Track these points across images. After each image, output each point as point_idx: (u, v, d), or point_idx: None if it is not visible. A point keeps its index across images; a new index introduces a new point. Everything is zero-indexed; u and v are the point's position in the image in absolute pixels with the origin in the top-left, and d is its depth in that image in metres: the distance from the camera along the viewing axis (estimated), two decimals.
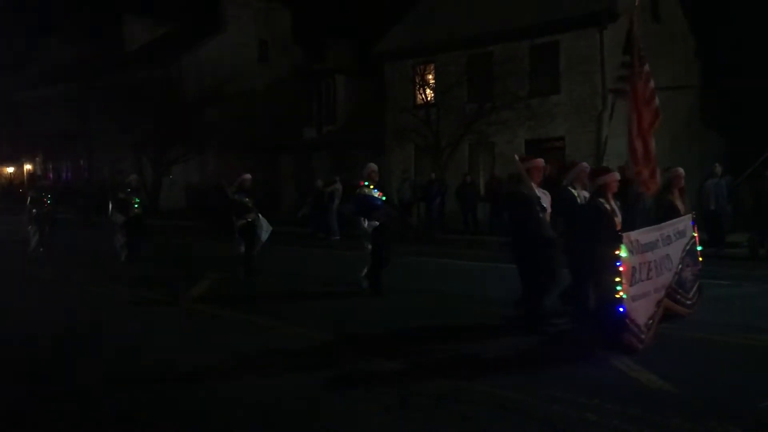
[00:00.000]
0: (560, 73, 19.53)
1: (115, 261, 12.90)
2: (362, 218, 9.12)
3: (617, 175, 6.91)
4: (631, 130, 8.23)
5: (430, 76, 22.08)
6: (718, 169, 14.26)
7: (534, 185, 7.11)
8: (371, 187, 9.25)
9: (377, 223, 9.11)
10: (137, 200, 13.25)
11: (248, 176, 11.27)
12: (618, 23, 19.05)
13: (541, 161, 7.48)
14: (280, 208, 24.42)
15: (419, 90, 21.88)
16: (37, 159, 37.95)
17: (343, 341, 6.95)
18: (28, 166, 38.97)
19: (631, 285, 5.96)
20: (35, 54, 39.58)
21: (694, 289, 7.07)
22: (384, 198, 9.31)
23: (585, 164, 7.73)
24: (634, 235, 6.18)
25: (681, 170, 8.20)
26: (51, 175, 37.04)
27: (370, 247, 9.16)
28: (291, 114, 28.52)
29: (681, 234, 6.92)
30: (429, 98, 21.38)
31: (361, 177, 9.51)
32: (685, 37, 23.57)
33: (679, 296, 6.74)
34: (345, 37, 31.21)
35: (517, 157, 7.72)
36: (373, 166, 9.54)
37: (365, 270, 9.26)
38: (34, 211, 15.13)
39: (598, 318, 6.29)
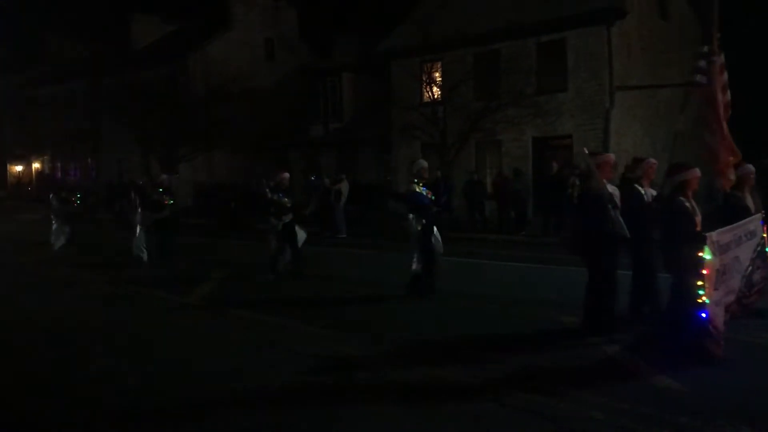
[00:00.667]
0: (567, 71, 19.46)
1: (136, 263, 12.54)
2: (412, 217, 8.78)
3: (698, 172, 6.38)
4: (710, 123, 7.45)
5: (437, 74, 22.04)
6: None
7: (605, 182, 6.71)
8: (420, 185, 8.96)
9: (425, 222, 8.79)
10: (171, 200, 13.01)
11: (286, 175, 10.99)
12: (626, 20, 19.02)
13: (612, 156, 7.11)
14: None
15: (426, 87, 21.85)
16: (46, 157, 38.12)
17: (373, 344, 6.94)
18: (36, 165, 39.16)
19: (714, 289, 5.68)
20: (43, 53, 39.72)
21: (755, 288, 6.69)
22: (432, 197, 8.99)
23: (653, 160, 7.38)
24: (715, 235, 5.82)
25: (752, 167, 7.69)
26: (59, 174, 37.24)
27: (417, 246, 8.78)
28: (297, 112, 28.54)
29: (752, 234, 6.55)
30: (435, 96, 21.34)
31: (411, 174, 9.21)
32: (693, 34, 23.41)
33: (744, 299, 6.42)
34: (351, 34, 31.17)
35: (586, 151, 7.31)
36: (423, 163, 9.23)
37: (414, 269, 8.86)
38: (62, 212, 14.98)
39: (679, 324, 5.89)
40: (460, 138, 20.08)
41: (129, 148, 28.84)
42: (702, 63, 7.60)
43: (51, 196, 15.59)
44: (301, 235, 10.84)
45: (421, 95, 22.03)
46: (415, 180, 9.02)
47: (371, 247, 15.63)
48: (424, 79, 21.84)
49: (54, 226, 14.94)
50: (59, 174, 37.00)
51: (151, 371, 5.95)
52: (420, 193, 8.89)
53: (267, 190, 10.71)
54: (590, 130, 19.03)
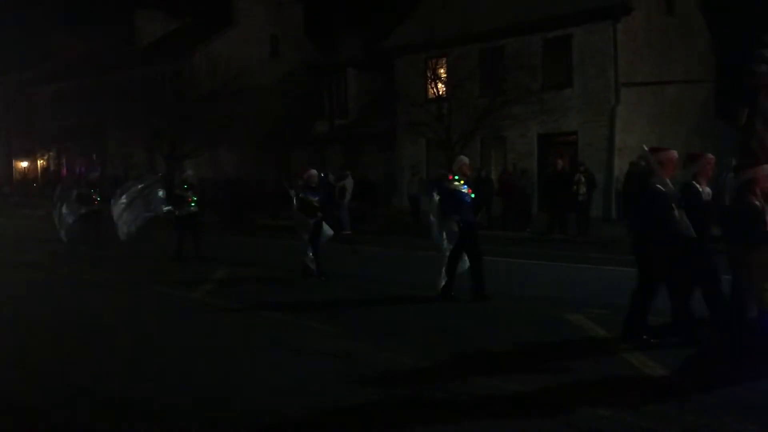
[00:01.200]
0: (573, 67, 19.42)
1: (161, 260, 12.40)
2: (450, 215, 8.30)
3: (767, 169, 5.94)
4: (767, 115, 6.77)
5: (442, 70, 22.00)
6: (734, 163, 14.03)
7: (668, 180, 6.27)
8: (461, 182, 8.45)
9: (463, 221, 8.28)
10: (195, 198, 12.50)
11: (314, 172, 10.68)
12: (631, 16, 18.96)
13: (674, 153, 6.66)
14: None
15: (431, 84, 21.81)
16: (51, 153, 38.22)
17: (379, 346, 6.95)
18: (41, 161, 39.26)
19: None
20: (48, 49, 39.80)
21: None
22: (473, 195, 8.55)
23: (711, 156, 6.99)
24: None
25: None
26: (65, 169, 37.34)
27: (450, 247, 8.31)
28: (302, 108, 28.54)
29: None
30: (440, 92, 21.31)
31: (450, 170, 8.68)
32: (700, 31, 23.35)
33: None
34: (356, 31, 31.12)
35: (646, 148, 6.91)
36: (465, 159, 8.81)
37: (455, 271, 8.38)
38: (82, 210, 13.89)
39: (746, 327, 5.70)
40: (465, 135, 20.04)
41: (134, 145, 28.89)
42: (765, 52, 7.13)
43: (58, 190, 14.47)
44: (328, 232, 10.60)
45: (426, 92, 21.99)
46: (455, 176, 8.49)
47: (376, 244, 15.62)
48: (429, 75, 21.79)
49: (66, 218, 13.83)
50: (65, 169, 37.12)
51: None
52: (460, 191, 8.41)
53: (291, 191, 10.42)
54: (596, 127, 19.00)
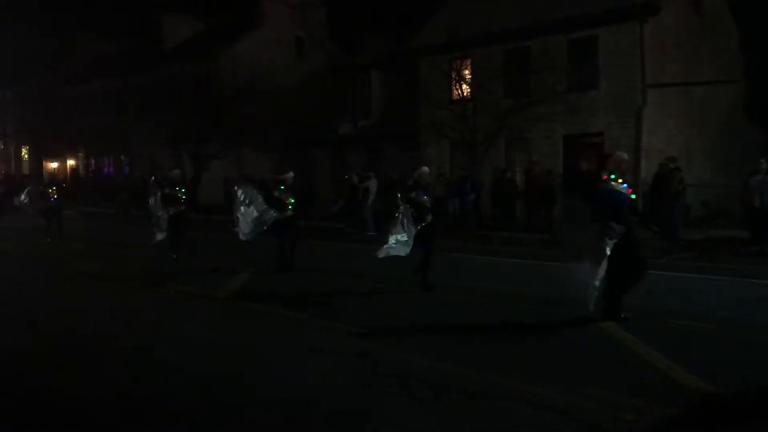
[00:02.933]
0: (599, 68, 19.21)
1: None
2: (605, 223, 7.03)
3: None
4: None
5: (466, 71, 21.93)
6: (764, 165, 13.83)
7: None
8: (619, 180, 7.30)
9: (617, 228, 7.02)
10: (292, 200, 11.51)
11: (425, 169, 9.84)
12: (659, 16, 18.72)
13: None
14: (315, 203, 24.55)
15: (455, 85, 21.76)
16: (79, 154, 38.84)
17: (380, 336, 6.96)
18: (70, 162, 39.90)
19: None
20: (76, 51, 40.45)
21: None
22: (633, 196, 7.43)
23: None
24: None
25: None
26: (93, 170, 37.91)
27: (604, 256, 6.98)
28: (326, 109, 28.64)
29: None
30: (465, 93, 21.24)
31: (605, 169, 7.49)
32: (729, 30, 23.00)
33: None
34: (380, 32, 31.19)
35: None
36: (623, 155, 7.59)
37: (601, 287, 7.10)
38: (170, 210, 12.68)
39: None
40: (490, 136, 19.96)
41: (159, 145, 29.23)
42: None
43: (154, 197, 12.93)
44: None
45: (450, 92, 21.95)
46: (611, 175, 7.34)
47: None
48: (453, 76, 21.75)
49: (160, 222, 12.59)
50: (93, 170, 37.65)
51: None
52: (618, 191, 7.23)
53: (399, 193, 9.41)
54: (622, 128, 18.78)
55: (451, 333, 7.12)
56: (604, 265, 6.89)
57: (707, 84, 20.55)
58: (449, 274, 10.26)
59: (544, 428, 4.52)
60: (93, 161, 38.28)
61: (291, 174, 11.98)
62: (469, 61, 21.96)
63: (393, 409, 4.85)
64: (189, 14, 36.52)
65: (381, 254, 9.07)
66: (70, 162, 39.89)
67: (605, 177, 7.34)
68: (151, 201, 13.15)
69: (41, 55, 39.46)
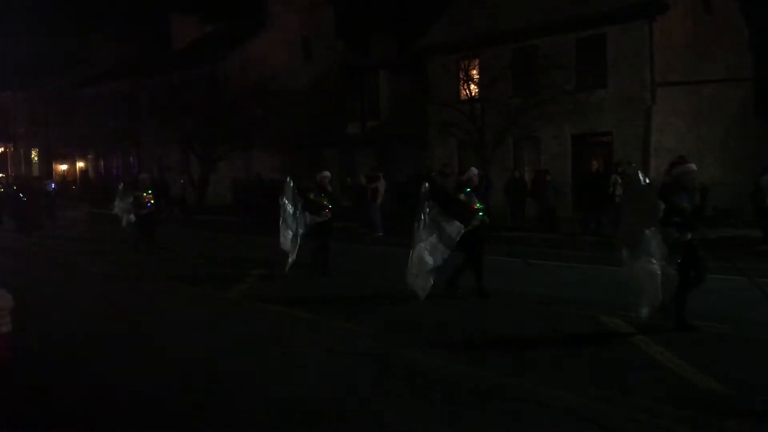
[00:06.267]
0: (607, 67, 19.14)
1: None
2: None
3: None
4: None
5: (474, 71, 21.89)
6: None
7: None
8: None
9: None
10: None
11: (474, 170, 9.26)
12: (667, 15, 18.64)
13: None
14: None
15: (463, 84, 21.72)
16: (90, 156, 39.03)
17: (394, 335, 6.97)
18: (80, 164, 40.10)
19: None
20: (86, 53, 40.65)
21: None
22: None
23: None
24: None
25: None
26: (102, 172, 38.06)
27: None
28: (334, 110, 28.66)
29: None
30: (473, 93, 21.21)
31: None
32: (738, 28, 22.87)
33: None
34: (388, 32, 31.21)
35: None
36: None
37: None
38: (317, 219, 10.94)
39: None
40: (498, 135, 19.93)
41: (169, 147, 29.36)
42: None
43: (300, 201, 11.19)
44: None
45: (459, 92, 21.92)
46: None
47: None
48: (461, 75, 21.71)
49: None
50: (102, 171, 37.79)
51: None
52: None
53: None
54: (631, 128, 18.71)
55: (463, 334, 7.12)
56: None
57: (717, 82, 20.44)
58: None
59: (556, 429, 4.52)
60: (102, 163, 38.45)
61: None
62: (477, 61, 21.92)
63: (405, 409, 4.86)
64: (198, 16, 36.68)
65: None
66: (80, 164, 40.09)
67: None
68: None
69: (52, 58, 39.68)
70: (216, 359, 6.26)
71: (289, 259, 10.67)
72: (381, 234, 17.79)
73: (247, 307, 8.76)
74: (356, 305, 8.77)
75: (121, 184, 17.29)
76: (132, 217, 14.99)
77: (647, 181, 7.07)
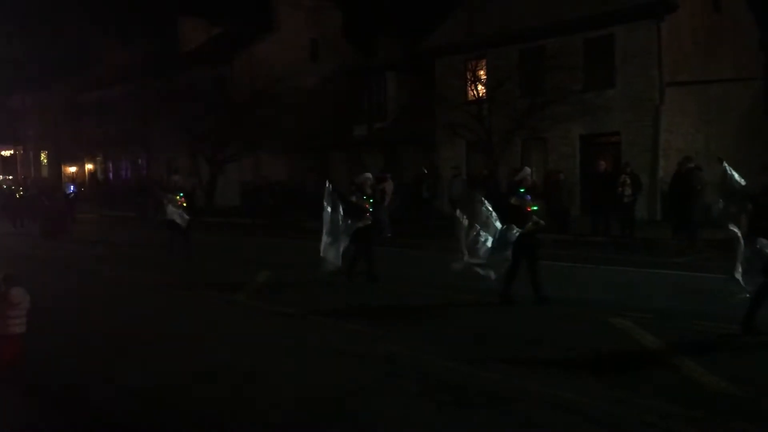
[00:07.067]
0: (615, 67, 19.08)
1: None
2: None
3: None
4: None
5: (482, 72, 21.88)
6: None
7: None
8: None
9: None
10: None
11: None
12: (676, 14, 18.56)
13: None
14: None
15: (470, 85, 21.70)
16: (98, 159, 39.22)
17: (399, 338, 6.97)
18: (89, 166, 40.31)
19: None
20: (94, 56, 40.87)
21: None
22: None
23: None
24: None
25: None
26: (111, 174, 38.24)
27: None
28: (341, 111, 28.70)
29: None
30: (480, 94, 21.19)
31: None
32: (748, 27, 22.75)
33: None
34: (395, 33, 31.22)
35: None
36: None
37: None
38: (359, 223, 10.34)
39: None
40: (506, 136, 19.90)
41: (177, 149, 29.46)
42: None
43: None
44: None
45: (466, 93, 21.90)
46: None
47: (418, 248, 15.62)
48: (468, 76, 21.70)
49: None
50: (111, 174, 37.94)
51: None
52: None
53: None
54: (639, 128, 18.65)
55: (469, 334, 7.12)
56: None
57: (726, 82, 20.34)
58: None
59: (565, 430, 4.51)
60: (111, 165, 38.63)
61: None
62: (484, 62, 21.91)
63: (413, 410, 4.86)
64: (206, 19, 36.81)
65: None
66: (89, 166, 40.30)
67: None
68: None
69: (61, 61, 39.91)
70: (229, 362, 6.29)
71: (330, 266, 10.04)
72: (390, 235, 17.80)
73: (306, 320, 8.09)
74: (375, 309, 8.62)
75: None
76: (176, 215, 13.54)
77: (743, 182, 6.97)
